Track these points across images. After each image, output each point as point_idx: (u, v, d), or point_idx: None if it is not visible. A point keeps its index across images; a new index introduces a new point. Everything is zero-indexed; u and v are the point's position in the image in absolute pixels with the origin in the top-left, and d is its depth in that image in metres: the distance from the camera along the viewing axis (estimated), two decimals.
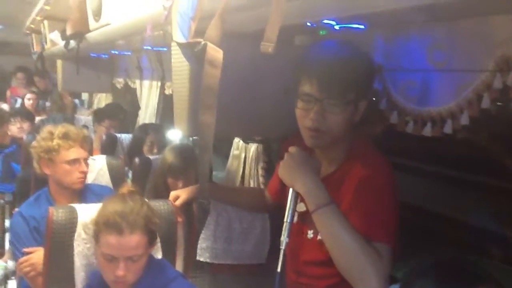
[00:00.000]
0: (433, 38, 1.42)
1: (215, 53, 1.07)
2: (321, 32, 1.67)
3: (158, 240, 1.79)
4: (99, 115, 4.18)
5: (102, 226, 1.51)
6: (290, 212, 1.36)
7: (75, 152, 2.21)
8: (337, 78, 1.33)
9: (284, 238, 1.33)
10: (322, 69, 1.35)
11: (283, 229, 1.35)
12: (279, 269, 1.30)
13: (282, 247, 1.32)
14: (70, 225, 1.68)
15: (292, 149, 1.40)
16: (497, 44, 1.24)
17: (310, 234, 1.48)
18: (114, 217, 1.50)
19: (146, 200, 1.84)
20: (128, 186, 1.73)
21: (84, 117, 5.09)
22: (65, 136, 2.20)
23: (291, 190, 1.37)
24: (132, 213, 1.52)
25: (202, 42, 1.10)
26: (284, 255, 1.32)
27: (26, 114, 4.56)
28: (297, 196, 1.36)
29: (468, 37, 1.32)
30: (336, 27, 1.47)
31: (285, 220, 1.35)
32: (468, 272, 1.06)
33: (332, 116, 1.36)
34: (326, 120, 1.36)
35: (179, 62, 1.67)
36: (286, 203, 1.59)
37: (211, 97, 1.09)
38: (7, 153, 4.07)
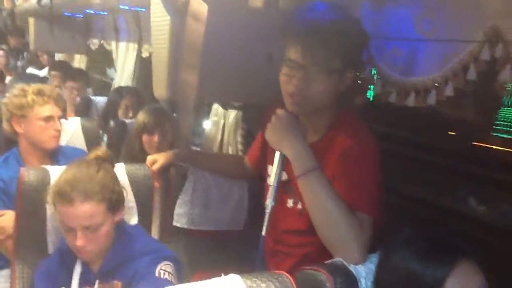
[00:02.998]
0: (422, 6, 1.39)
1: (199, 6, 1.02)
2: None
3: (134, 205, 1.75)
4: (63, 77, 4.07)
5: (55, 195, 1.44)
6: (276, 175, 1.34)
7: (50, 109, 2.15)
8: (322, 44, 1.28)
9: (270, 202, 1.33)
10: (307, 34, 1.30)
11: (269, 192, 1.34)
12: (263, 233, 1.30)
13: (268, 210, 1.32)
14: (42, 187, 1.61)
15: (280, 111, 1.37)
16: (488, 14, 1.22)
17: (290, 203, 1.47)
18: (64, 186, 1.42)
19: (123, 164, 1.80)
20: (96, 150, 1.63)
21: None
22: (40, 93, 2.13)
23: (277, 153, 1.35)
24: (83, 181, 1.43)
25: None
26: (269, 218, 1.32)
27: None
28: (284, 159, 1.34)
29: (459, 6, 1.29)
30: None
31: (271, 184, 1.34)
32: (448, 243, 1.06)
33: (315, 83, 1.32)
34: (308, 88, 1.33)
35: (159, 19, 1.59)
36: (265, 171, 1.58)
37: (194, 54, 1.03)
38: None
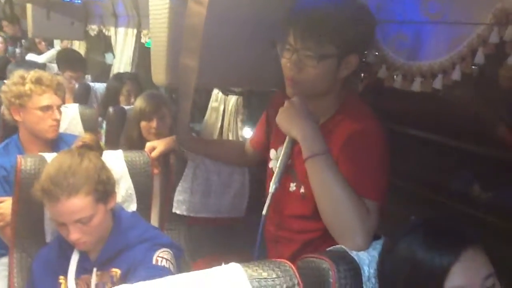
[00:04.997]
0: None
1: None
2: None
3: (133, 193, 1.73)
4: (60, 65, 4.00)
5: (40, 193, 1.41)
6: (284, 158, 1.37)
7: (49, 98, 2.11)
8: (313, 29, 1.29)
9: (274, 183, 1.35)
10: (301, 19, 1.31)
11: (274, 174, 1.37)
12: (264, 212, 1.32)
13: (271, 190, 1.35)
14: (40, 174, 1.58)
15: (295, 98, 1.37)
16: None
17: (292, 187, 1.45)
18: (48, 184, 1.38)
19: (121, 151, 1.77)
20: (82, 137, 1.58)
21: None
22: (38, 81, 2.09)
23: (287, 137, 1.36)
24: (66, 176, 1.38)
25: None
26: (271, 200, 1.33)
27: None
28: (293, 143, 1.36)
29: None
30: None
31: (276, 166, 1.37)
32: (455, 231, 1.04)
33: (307, 68, 1.33)
34: (301, 71, 1.34)
35: (158, 3, 1.56)
36: (267, 156, 1.56)
37: (195, 39, 1.00)
38: None
